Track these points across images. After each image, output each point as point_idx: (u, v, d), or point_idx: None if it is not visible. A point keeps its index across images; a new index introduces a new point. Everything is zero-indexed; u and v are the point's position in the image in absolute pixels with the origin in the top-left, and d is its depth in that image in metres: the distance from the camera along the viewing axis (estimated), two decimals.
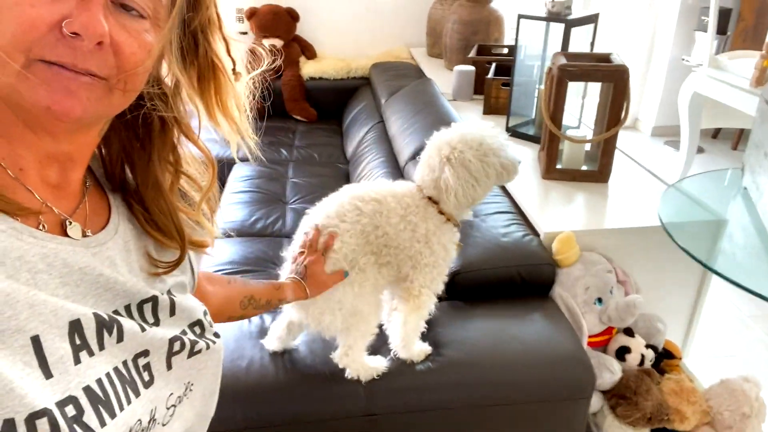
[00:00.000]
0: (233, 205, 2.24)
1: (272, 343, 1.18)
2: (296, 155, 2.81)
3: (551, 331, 1.26)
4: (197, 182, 0.63)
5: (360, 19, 3.46)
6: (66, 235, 0.51)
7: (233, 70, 0.58)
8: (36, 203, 0.50)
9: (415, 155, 2.04)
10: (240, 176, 2.49)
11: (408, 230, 1.08)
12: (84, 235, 0.53)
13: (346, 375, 1.12)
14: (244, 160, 2.66)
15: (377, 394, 1.13)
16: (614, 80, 1.57)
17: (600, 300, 1.38)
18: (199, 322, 0.62)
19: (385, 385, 1.14)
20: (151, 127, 0.58)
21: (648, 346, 1.41)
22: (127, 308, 0.54)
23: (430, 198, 1.11)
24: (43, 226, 0.50)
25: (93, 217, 0.56)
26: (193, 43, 0.54)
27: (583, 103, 1.98)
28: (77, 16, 0.43)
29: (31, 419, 0.41)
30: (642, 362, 1.38)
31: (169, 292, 0.60)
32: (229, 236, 1.94)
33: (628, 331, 1.41)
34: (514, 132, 2.10)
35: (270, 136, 3.00)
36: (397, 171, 2.14)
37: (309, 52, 3.41)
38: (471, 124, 1.12)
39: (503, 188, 1.72)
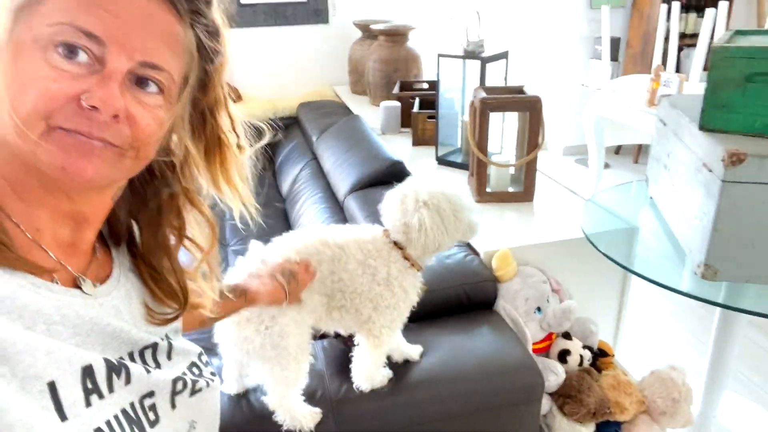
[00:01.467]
0: None
1: (231, 387, 1.19)
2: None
3: (499, 342, 1.36)
4: (199, 245, 0.67)
5: (282, 60, 3.55)
6: (77, 286, 0.56)
7: (237, 144, 0.64)
8: (51, 262, 0.54)
9: (352, 189, 2.12)
10: None
11: (367, 274, 1.14)
12: (93, 283, 0.57)
13: (274, 418, 1.13)
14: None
15: (346, 421, 1.17)
16: (529, 109, 1.73)
17: (539, 309, 1.50)
18: (194, 364, 0.66)
19: (352, 411, 1.19)
20: (159, 195, 0.63)
21: (585, 347, 1.54)
22: (131, 354, 0.58)
23: (395, 243, 1.17)
24: (57, 282, 0.53)
25: (99, 267, 0.60)
26: (201, 120, 0.60)
27: (503, 130, 2.15)
28: (96, 92, 0.48)
29: None
30: (581, 362, 1.50)
31: (166, 336, 0.64)
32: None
33: (567, 335, 1.54)
34: (442, 161, 2.24)
35: None
36: (336, 205, 2.21)
37: (234, 95, 3.44)
38: (445, 180, 1.21)
39: None
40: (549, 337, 1.54)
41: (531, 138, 1.76)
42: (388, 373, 1.23)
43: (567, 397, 1.42)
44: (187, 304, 0.66)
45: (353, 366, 1.22)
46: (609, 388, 1.46)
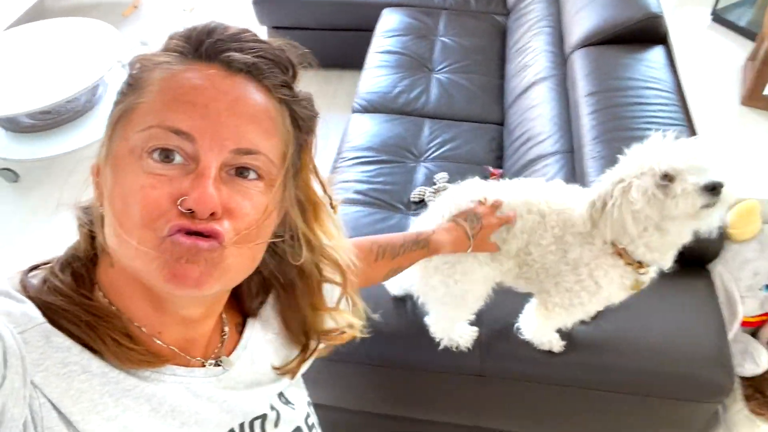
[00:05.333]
0: (378, 68, 2.13)
1: (394, 287, 1.20)
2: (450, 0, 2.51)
3: (695, 318, 1.15)
4: (336, 282, 0.66)
5: None
6: (202, 364, 0.57)
7: (331, 204, 0.62)
8: (170, 353, 0.55)
9: (584, 42, 1.73)
10: (388, 29, 2.31)
11: (559, 251, 0.96)
12: (217, 362, 0.58)
13: (431, 334, 1.14)
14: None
15: (491, 357, 1.15)
16: None
17: None
18: (298, 429, 0.66)
19: (500, 349, 1.15)
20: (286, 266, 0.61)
21: None
22: (241, 426, 0.59)
23: None
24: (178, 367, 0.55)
25: (225, 340, 0.61)
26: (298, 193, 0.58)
27: None
28: (191, 193, 0.45)
29: None
30: None
31: (280, 395, 0.65)
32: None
33: None
34: (719, 17, 1.66)
35: None
36: (560, 54, 1.85)
37: None
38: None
39: (686, 110, 1.43)
40: None
41: None
42: (556, 344, 1.11)
43: (759, 391, 1.21)
44: (308, 351, 0.66)
45: (522, 314, 1.13)
46: None
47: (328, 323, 0.68)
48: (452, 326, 1.12)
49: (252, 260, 0.52)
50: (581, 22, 1.78)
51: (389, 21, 2.36)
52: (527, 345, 1.13)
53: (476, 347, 1.15)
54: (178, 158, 0.46)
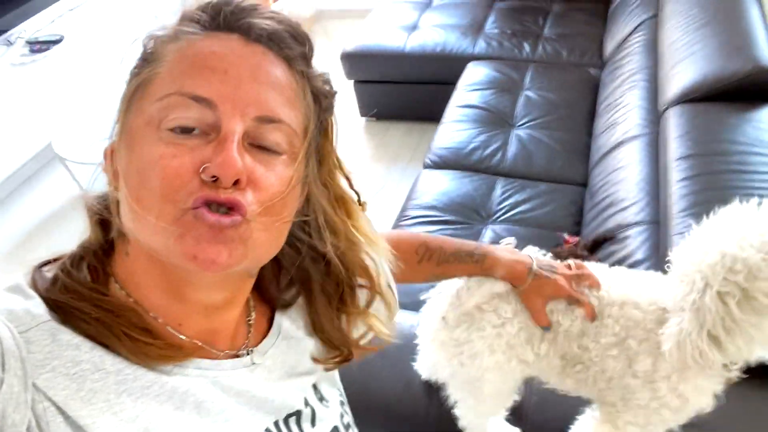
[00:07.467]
0: (455, 123, 2.05)
1: (424, 369, 1.07)
2: (540, 52, 2.39)
3: None
4: (364, 285, 0.62)
5: None
6: (233, 356, 0.54)
7: (359, 201, 0.60)
8: (193, 347, 0.51)
9: (682, 97, 1.52)
10: (470, 83, 2.23)
11: (622, 358, 0.79)
12: (248, 350, 0.55)
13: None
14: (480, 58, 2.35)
15: None
16: None
17: None
18: (335, 429, 0.61)
19: None
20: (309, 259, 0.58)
21: None
22: (276, 424, 0.55)
23: None
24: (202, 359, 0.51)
25: (256, 323, 0.58)
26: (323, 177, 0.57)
27: None
28: (214, 159, 0.43)
29: None
30: None
31: (315, 389, 0.61)
32: None
33: None
34: None
35: (514, 21, 2.59)
36: (654, 111, 1.65)
37: None
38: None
39: None
40: None
41: None
42: None
43: None
44: (351, 353, 0.63)
45: (574, 426, 0.94)
46: None
47: (359, 329, 0.64)
48: (482, 423, 0.96)
49: (278, 238, 0.50)
50: (679, 76, 1.58)
51: (473, 74, 2.28)
52: None
53: None
54: (197, 130, 0.45)
